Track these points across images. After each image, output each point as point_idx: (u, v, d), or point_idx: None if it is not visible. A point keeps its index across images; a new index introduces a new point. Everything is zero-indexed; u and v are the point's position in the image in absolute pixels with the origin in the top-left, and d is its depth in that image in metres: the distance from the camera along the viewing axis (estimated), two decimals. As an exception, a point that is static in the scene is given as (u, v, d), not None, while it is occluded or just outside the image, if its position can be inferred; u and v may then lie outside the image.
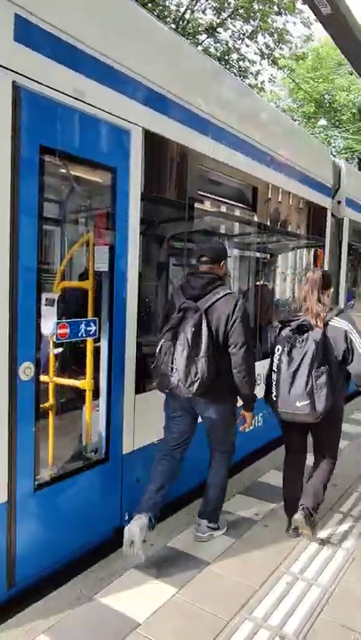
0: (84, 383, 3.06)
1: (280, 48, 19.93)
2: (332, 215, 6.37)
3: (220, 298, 3.00)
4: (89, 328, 2.93)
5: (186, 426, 3.14)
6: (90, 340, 3.00)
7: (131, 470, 3.27)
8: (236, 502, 3.82)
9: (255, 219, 4.70)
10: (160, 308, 3.59)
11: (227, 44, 20.25)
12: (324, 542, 3.26)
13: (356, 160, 34.36)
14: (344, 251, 6.76)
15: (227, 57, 20.69)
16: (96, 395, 3.12)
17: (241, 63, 20.97)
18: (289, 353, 3.03)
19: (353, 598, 2.71)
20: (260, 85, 21.25)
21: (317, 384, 2.94)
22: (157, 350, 2.95)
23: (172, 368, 2.86)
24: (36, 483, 2.67)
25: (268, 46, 19.83)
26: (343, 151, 32.88)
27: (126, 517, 3.14)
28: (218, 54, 20.77)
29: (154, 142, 3.26)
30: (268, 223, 5.00)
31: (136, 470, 3.30)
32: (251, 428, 3.39)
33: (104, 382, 3.10)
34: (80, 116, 2.73)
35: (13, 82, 2.35)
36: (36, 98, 2.47)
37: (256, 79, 20.89)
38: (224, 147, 4.01)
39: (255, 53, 20.48)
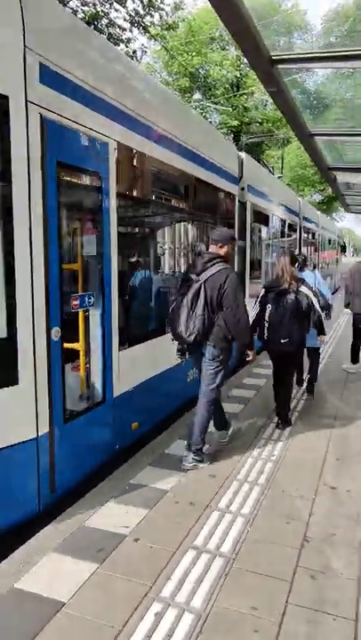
0: (79, 345, 3.74)
1: (150, 15, 19.27)
2: (239, 200, 7.39)
3: (216, 272, 3.85)
4: (90, 300, 3.74)
5: (198, 362, 4.10)
6: (81, 311, 3.68)
7: (120, 408, 4.11)
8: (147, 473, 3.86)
9: (186, 206, 5.70)
10: (136, 285, 4.68)
11: (95, 8, 19.10)
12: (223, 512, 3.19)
13: (232, 135, 35.07)
14: (248, 230, 7.84)
15: (96, 22, 19.54)
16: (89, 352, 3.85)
17: (111, 30, 19.99)
18: (276, 309, 4.67)
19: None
20: (131, 54, 20.44)
21: (293, 328, 4.65)
22: (170, 310, 4.02)
23: (179, 323, 3.85)
24: (65, 417, 3.42)
25: (137, 13, 19.07)
26: (219, 126, 33.29)
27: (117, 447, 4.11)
28: (86, 18, 19.57)
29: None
30: (196, 209, 5.94)
31: (123, 408, 4.14)
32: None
33: (97, 342, 3.85)
34: (77, 135, 3.48)
35: (40, 114, 3.07)
36: (53, 124, 3.19)
37: (127, 47, 20.05)
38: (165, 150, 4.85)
39: (125, 20, 19.63)
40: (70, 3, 19.55)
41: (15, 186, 2.89)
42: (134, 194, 4.62)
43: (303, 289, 4.71)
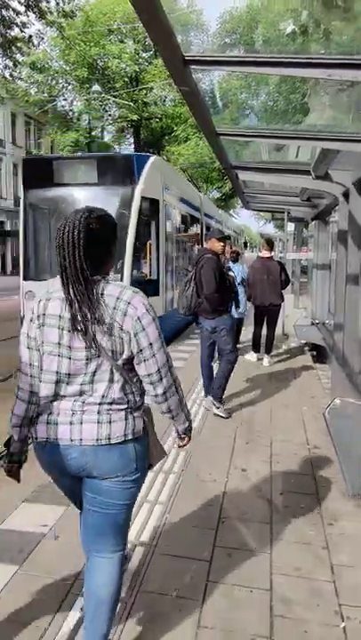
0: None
1: (47, 0, 18.62)
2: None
3: (204, 261, 5.11)
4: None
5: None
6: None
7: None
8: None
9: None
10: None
11: (-15, -14, 18.04)
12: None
13: (132, 130, 34.99)
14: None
15: (-14, 2, 18.48)
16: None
17: (4, 12, 19.03)
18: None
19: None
20: (27, 40, 19.62)
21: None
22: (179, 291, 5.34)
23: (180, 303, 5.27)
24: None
25: (32, -4, 18.33)
26: (119, 120, 33.04)
27: None
28: (-25, -3, 18.44)
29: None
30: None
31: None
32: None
33: None
34: (173, 208, 10.07)
35: (165, 203, 8.92)
36: (166, 206, 9.16)
37: (23, 32, 19.21)
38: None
39: (20, 3, 18.78)
40: None
41: (160, 228, 8.48)
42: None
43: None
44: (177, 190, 10.36)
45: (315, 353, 8.00)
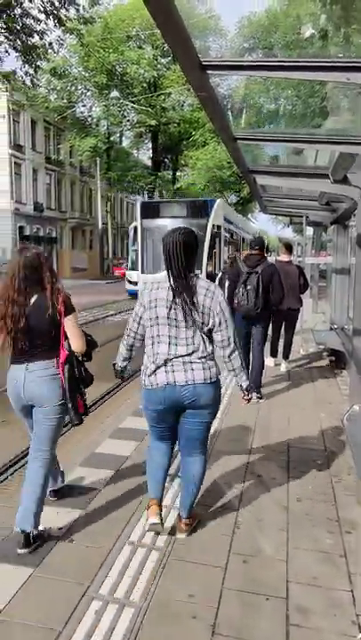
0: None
1: (66, 9, 18.85)
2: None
3: (266, 267, 5.85)
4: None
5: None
6: None
7: None
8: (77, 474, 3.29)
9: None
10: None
11: (7, -5, 18.32)
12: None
13: (151, 135, 35.15)
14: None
15: (8, 11, 18.79)
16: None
17: (25, 20, 19.31)
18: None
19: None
20: (47, 47, 19.88)
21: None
22: (238, 291, 5.78)
23: (245, 300, 5.72)
24: None
25: (52, 4, 18.58)
26: (137, 125, 33.25)
27: None
28: (-2, 6, 18.76)
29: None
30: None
31: None
32: None
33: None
34: (227, 229, 17.25)
35: (223, 227, 15.89)
36: (226, 230, 16.95)
37: (43, 39, 19.48)
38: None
39: (40, 11, 19.04)
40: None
41: (221, 242, 15.11)
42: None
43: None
44: (230, 218, 18.02)
45: (333, 358, 7.90)
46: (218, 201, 15.38)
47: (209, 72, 2.44)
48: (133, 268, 15.56)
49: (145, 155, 42.29)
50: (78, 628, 2.29)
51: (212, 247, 14.55)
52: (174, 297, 2.74)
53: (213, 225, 14.37)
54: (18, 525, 2.86)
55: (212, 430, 3.80)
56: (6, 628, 2.28)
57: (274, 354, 7.70)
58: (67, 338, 2.96)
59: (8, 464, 4.79)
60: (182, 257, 2.74)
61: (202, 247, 11.96)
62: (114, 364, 3.20)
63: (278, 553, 2.89)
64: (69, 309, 2.94)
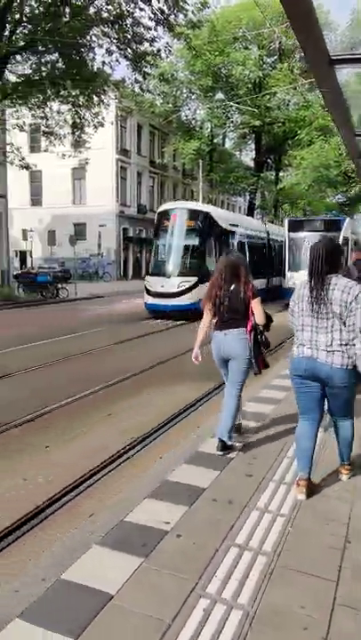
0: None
1: (175, 15, 19.27)
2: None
3: None
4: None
5: None
6: None
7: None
8: (182, 471, 3.40)
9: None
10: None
11: (120, 7, 19.15)
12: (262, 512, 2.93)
13: (254, 136, 34.88)
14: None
15: (120, 21, 19.61)
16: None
17: (136, 29, 20.03)
18: None
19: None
20: (155, 53, 20.47)
21: None
22: None
23: None
24: None
25: (162, 11, 19.09)
26: (241, 126, 33.15)
27: None
28: (111, 17, 19.65)
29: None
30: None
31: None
32: None
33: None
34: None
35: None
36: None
37: (152, 46, 20.08)
38: None
39: (150, 19, 19.65)
40: (96, 2, 19.67)
41: (348, 249, 16.13)
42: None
43: None
44: (355, 230, 21.49)
45: None
46: (347, 219, 19.82)
47: (337, 67, 2.36)
48: (157, 274, 15.87)
49: (248, 156, 42.06)
50: (187, 623, 2.32)
51: (342, 253, 19.00)
52: (314, 293, 3.32)
53: (344, 237, 17.45)
54: (218, 435, 4.22)
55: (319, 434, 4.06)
56: (119, 613, 2.37)
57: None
58: (253, 314, 4.19)
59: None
60: (322, 261, 3.31)
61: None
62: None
63: (394, 573, 2.72)
64: (255, 295, 4.24)
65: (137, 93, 24.61)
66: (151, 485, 3.66)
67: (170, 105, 32.57)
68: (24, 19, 18.72)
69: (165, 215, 16.82)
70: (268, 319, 4.31)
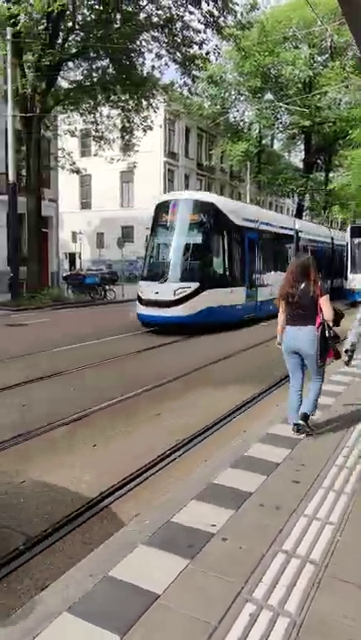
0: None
1: (225, 16, 19.26)
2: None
3: None
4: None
5: None
6: None
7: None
8: (228, 475, 3.41)
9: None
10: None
11: (170, 11, 19.30)
12: (310, 519, 2.88)
13: (303, 136, 34.31)
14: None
15: (170, 25, 19.76)
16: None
17: (185, 32, 20.15)
18: None
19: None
20: (204, 56, 20.50)
21: None
22: None
23: None
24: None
25: (211, 14, 19.12)
26: (290, 127, 32.70)
27: None
28: (161, 22, 19.84)
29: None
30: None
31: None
32: None
33: None
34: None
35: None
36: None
37: (201, 49, 20.14)
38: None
39: (199, 22, 19.72)
40: (146, 7, 19.91)
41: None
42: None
43: None
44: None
45: None
46: None
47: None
48: (152, 278, 13.25)
49: (297, 157, 41.46)
50: (233, 627, 2.30)
51: None
52: None
53: None
54: (303, 410, 4.70)
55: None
56: (165, 613, 2.38)
57: None
58: (321, 311, 4.52)
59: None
60: None
61: None
62: (345, 350, 5.05)
63: None
64: (323, 292, 4.56)
65: (185, 96, 24.73)
66: (197, 487, 3.66)
67: (218, 107, 32.56)
68: (76, 27, 19.19)
69: (163, 208, 13.99)
70: (339, 315, 4.67)
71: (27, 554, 3.15)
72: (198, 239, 13.25)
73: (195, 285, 12.57)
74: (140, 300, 13.01)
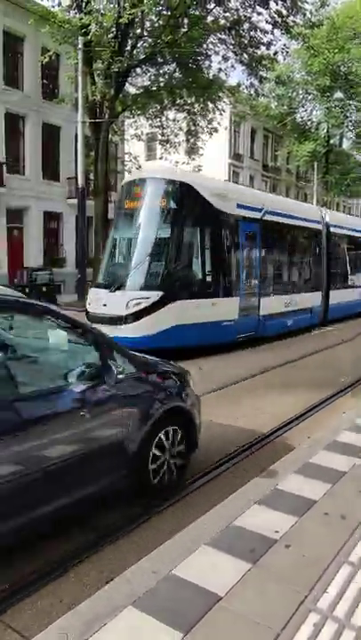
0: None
1: (294, 15, 18.92)
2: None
3: None
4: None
5: None
6: None
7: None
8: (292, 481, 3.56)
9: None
10: None
11: (237, 13, 19.22)
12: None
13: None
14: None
15: (237, 27, 19.68)
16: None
17: (252, 33, 19.99)
18: None
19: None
20: (272, 56, 20.25)
21: None
22: None
23: None
24: None
25: (280, 14, 18.85)
26: (360, 125, 31.70)
27: None
28: (228, 24, 19.81)
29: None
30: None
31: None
32: None
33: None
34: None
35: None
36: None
37: (268, 49, 19.90)
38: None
39: (267, 22, 19.49)
40: (213, 10, 19.95)
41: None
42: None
43: None
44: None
45: None
46: None
47: None
48: (103, 284, 10.03)
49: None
50: (297, 635, 2.27)
51: None
52: None
53: None
54: None
55: None
56: (227, 615, 2.39)
57: None
58: None
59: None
60: None
61: None
62: None
63: None
64: None
65: (252, 97, 24.55)
66: (260, 492, 3.64)
67: (285, 107, 32.10)
68: (145, 33, 19.54)
69: (126, 190, 10.73)
70: None
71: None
72: (166, 232, 9.63)
73: (155, 295, 9.02)
74: (86, 313, 9.68)
